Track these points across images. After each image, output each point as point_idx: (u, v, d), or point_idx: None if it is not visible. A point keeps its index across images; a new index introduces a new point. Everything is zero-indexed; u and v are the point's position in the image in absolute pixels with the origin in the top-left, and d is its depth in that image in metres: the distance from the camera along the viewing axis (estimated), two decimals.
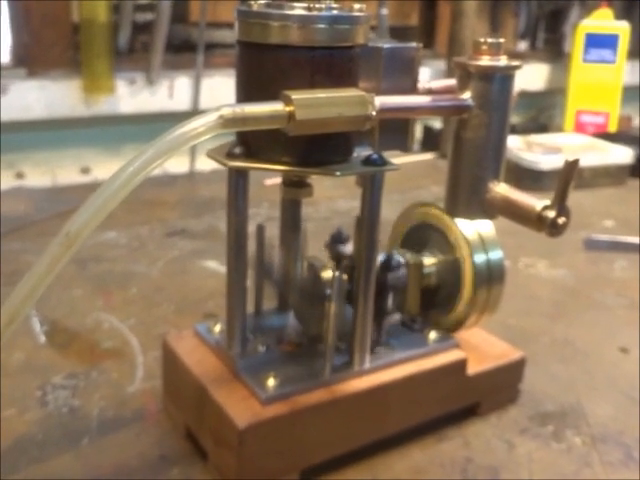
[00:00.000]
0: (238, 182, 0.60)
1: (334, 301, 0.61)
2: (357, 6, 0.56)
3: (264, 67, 0.55)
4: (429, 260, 0.70)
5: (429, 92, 0.60)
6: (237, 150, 0.57)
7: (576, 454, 0.68)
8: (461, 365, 0.68)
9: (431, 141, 1.85)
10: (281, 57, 0.54)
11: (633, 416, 0.73)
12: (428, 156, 1.80)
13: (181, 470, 0.63)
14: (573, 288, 1.06)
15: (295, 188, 0.62)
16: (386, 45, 0.58)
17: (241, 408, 0.59)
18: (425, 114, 0.58)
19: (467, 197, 0.59)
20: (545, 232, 0.55)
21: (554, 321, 0.96)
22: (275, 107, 0.50)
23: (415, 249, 0.71)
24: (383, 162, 0.57)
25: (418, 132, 1.89)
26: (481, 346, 0.73)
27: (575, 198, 0.55)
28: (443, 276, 0.70)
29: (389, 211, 1.29)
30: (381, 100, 0.54)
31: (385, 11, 1.53)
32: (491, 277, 0.67)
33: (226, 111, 0.48)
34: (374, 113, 0.52)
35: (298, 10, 0.53)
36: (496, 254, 0.67)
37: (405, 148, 0.62)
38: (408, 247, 0.73)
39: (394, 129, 0.60)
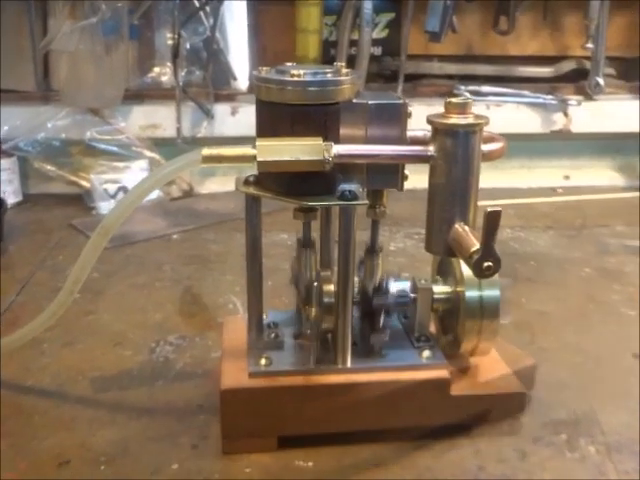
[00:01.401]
0: (252, 203, 0.71)
1: (314, 306, 0.70)
2: (344, 70, 0.64)
3: (263, 117, 0.67)
4: (438, 289, 0.75)
5: (417, 141, 0.66)
6: (251, 178, 0.69)
7: (591, 463, 0.67)
8: (441, 383, 0.71)
9: None
10: (270, 111, 0.65)
11: None
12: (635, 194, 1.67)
13: (205, 418, 0.75)
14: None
15: (303, 212, 0.70)
16: (371, 101, 0.64)
17: (232, 375, 0.70)
18: (386, 161, 0.65)
19: (435, 235, 0.65)
20: (473, 273, 0.60)
21: (565, 325, 0.99)
22: (244, 150, 0.63)
23: (443, 277, 0.78)
24: (354, 197, 0.64)
25: None
26: (486, 373, 0.75)
27: None
28: (447, 305, 0.75)
29: (558, 246, 1.33)
30: (339, 147, 0.62)
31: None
32: (483, 313, 0.71)
33: (205, 151, 0.63)
34: (330, 158, 0.60)
35: (280, 76, 0.64)
36: (492, 292, 0.72)
37: (397, 187, 0.67)
38: (441, 274, 0.79)
39: (384, 169, 0.66)
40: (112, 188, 1.48)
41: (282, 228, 1.26)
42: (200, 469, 0.68)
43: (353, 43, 1.65)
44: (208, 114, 1.57)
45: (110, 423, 0.75)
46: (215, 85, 1.60)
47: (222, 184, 1.60)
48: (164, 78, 1.61)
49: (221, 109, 1.59)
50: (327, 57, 1.69)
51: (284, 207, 0.68)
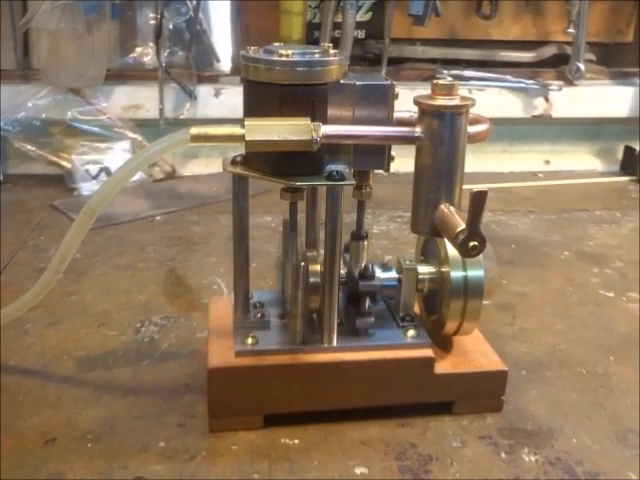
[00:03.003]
0: (239, 183, 0.71)
1: (300, 287, 0.70)
2: (332, 51, 0.64)
3: (250, 97, 0.67)
4: (423, 269, 0.76)
5: (403, 122, 0.67)
6: (238, 158, 0.68)
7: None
8: (425, 362, 0.72)
9: (632, 163, 1.69)
10: (257, 91, 0.65)
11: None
12: (623, 179, 1.68)
13: (191, 397, 0.76)
14: None
15: (290, 193, 0.69)
16: (358, 82, 0.65)
17: (219, 354, 0.71)
18: (373, 141, 0.65)
19: (421, 216, 0.66)
20: (458, 252, 0.61)
21: (545, 307, 1.00)
22: (232, 129, 0.62)
23: (427, 257, 0.79)
24: (341, 178, 0.65)
25: (619, 153, 1.76)
26: (469, 352, 0.77)
27: None
28: (432, 285, 0.76)
29: (538, 230, 1.34)
30: (326, 128, 0.62)
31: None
32: (468, 293, 0.72)
33: (193, 130, 0.62)
34: (318, 138, 0.61)
35: (267, 55, 0.64)
36: (476, 272, 0.72)
37: (383, 167, 0.68)
38: (425, 255, 0.80)
39: (370, 150, 0.66)
40: (94, 169, 1.47)
41: (266, 210, 1.26)
42: (187, 447, 0.68)
43: (337, 25, 1.65)
44: (191, 95, 1.56)
45: (96, 402, 0.75)
46: (198, 66, 1.59)
47: (205, 166, 1.60)
48: (146, 58, 1.60)
49: (204, 90, 1.58)
50: (311, 39, 1.69)
51: (268, 189, 0.68)
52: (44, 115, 1.51)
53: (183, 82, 1.57)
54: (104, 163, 1.47)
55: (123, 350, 0.86)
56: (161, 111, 1.55)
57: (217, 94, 1.58)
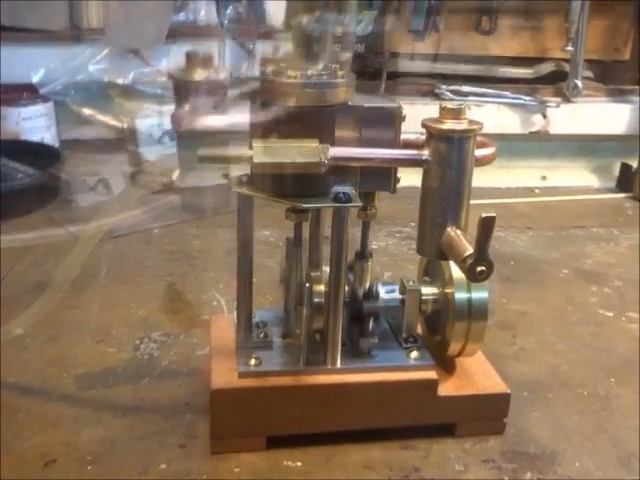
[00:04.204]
0: (244, 202, 0.71)
1: (305, 307, 0.70)
2: (340, 72, 0.64)
3: (256, 117, 0.66)
4: (427, 290, 0.75)
5: (410, 144, 0.67)
6: (244, 178, 0.68)
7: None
8: (429, 384, 0.72)
9: (628, 180, 1.70)
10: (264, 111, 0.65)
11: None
12: (619, 195, 1.69)
13: (192, 416, 0.76)
14: None
15: (295, 213, 0.70)
16: (366, 104, 0.65)
17: (222, 375, 0.71)
18: (381, 164, 0.66)
19: (427, 238, 0.65)
20: (466, 277, 0.61)
21: (545, 326, 1.01)
22: (240, 151, 0.63)
23: (429, 278, 0.79)
24: (348, 199, 0.65)
25: (616, 170, 1.76)
26: (472, 374, 0.77)
27: None
28: (435, 306, 0.76)
29: (536, 247, 1.35)
30: (335, 150, 0.62)
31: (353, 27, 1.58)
32: (472, 315, 0.72)
33: (201, 152, 0.63)
34: (326, 161, 0.61)
35: (276, 77, 0.64)
36: (480, 294, 0.72)
37: (389, 189, 0.68)
38: (428, 275, 0.80)
39: (377, 172, 0.67)
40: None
41: (265, 225, 1.25)
42: (189, 469, 0.68)
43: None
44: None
45: (96, 421, 0.75)
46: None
47: (203, 178, 1.59)
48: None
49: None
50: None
51: (267, 203, 0.67)
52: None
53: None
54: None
55: (123, 367, 0.85)
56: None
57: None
